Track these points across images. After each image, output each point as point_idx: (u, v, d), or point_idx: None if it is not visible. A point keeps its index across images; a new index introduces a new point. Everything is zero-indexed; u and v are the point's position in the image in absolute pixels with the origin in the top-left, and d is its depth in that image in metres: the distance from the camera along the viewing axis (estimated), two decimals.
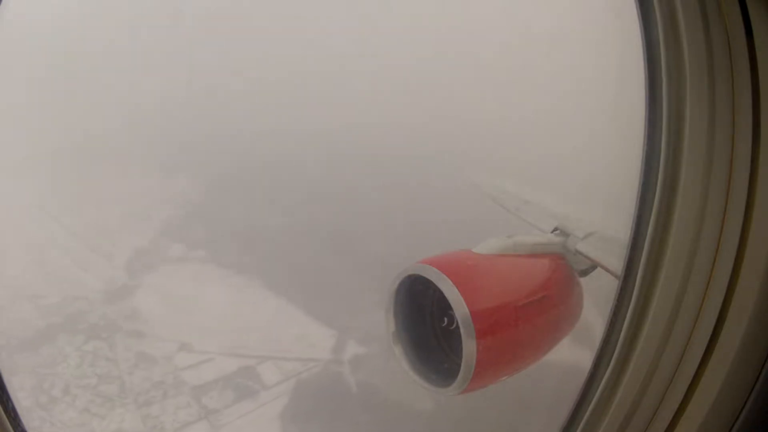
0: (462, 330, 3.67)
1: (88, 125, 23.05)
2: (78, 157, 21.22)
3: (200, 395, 12.92)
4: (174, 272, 17.08)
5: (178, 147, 23.09)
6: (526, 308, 3.93)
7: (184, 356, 13.93)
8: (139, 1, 28.36)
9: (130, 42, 26.59)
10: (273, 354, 14.07)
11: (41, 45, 24.54)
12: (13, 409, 1.64)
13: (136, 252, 17.84)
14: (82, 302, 15.50)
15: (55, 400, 12.63)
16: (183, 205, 20.16)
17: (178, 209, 19.90)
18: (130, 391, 13.04)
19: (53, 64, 24.94)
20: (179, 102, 25.29)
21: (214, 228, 18.91)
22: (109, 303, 15.64)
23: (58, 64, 25.05)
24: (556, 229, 4.83)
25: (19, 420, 1.66)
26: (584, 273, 4.52)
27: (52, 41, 25.10)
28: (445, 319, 3.94)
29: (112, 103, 24.73)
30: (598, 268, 4.39)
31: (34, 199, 19.19)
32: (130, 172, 21.17)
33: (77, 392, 12.89)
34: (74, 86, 24.55)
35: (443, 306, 3.90)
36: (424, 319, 4.17)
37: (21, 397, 12.35)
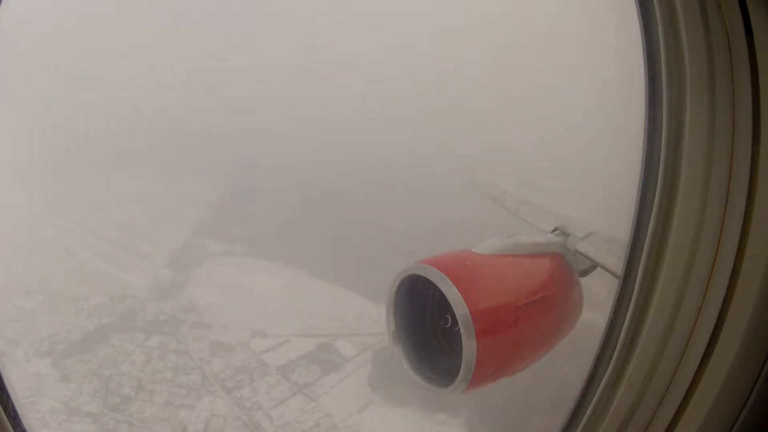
0: (462, 330, 3.66)
1: (89, 126, 23.03)
2: (85, 159, 21.25)
3: (288, 373, 13.66)
4: (221, 266, 17.51)
5: (182, 147, 23.15)
6: (526, 308, 3.91)
7: (259, 341, 14.55)
8: (140, 2, 28.33)
9: (130, 42, 26.55)
10: (342, 332, 14.95)
11: (41, 45, 24.51)
12: (13, 409, 1.64)
13: (175, 249, 18.06)
14: (130, 301, 15.58)
15: (129, 399, 12.60)
16: (206, 204, 20.42)
17: (203, 208, 20.16)
18: (214, 379, 13.23)
19: (54, 64, 24.92)
20: (180, 102, 25.29)
21: (244, 224, 19.27)
22: (163, 299, 15.78)
23: (59, 64, 25.03)
24: (556, 229, 4.81)
25: (19, 420, 1.66)
26: (584, 273, 4.50)
27: (52, 41, 25.07)
28: (448, 318, 3.93)
29: (112, 103, 24.71)
30: (598, 268, 4.37)
31: (46, 202, 19.18)
32: (141, 173, 21.28)
33: (153, 387, 12.91)
34: (74, 87, 24.54)
35: (443, 306, 3.88)
36: (425, 319, 4.15)
37: (82, 403, 12.21)
